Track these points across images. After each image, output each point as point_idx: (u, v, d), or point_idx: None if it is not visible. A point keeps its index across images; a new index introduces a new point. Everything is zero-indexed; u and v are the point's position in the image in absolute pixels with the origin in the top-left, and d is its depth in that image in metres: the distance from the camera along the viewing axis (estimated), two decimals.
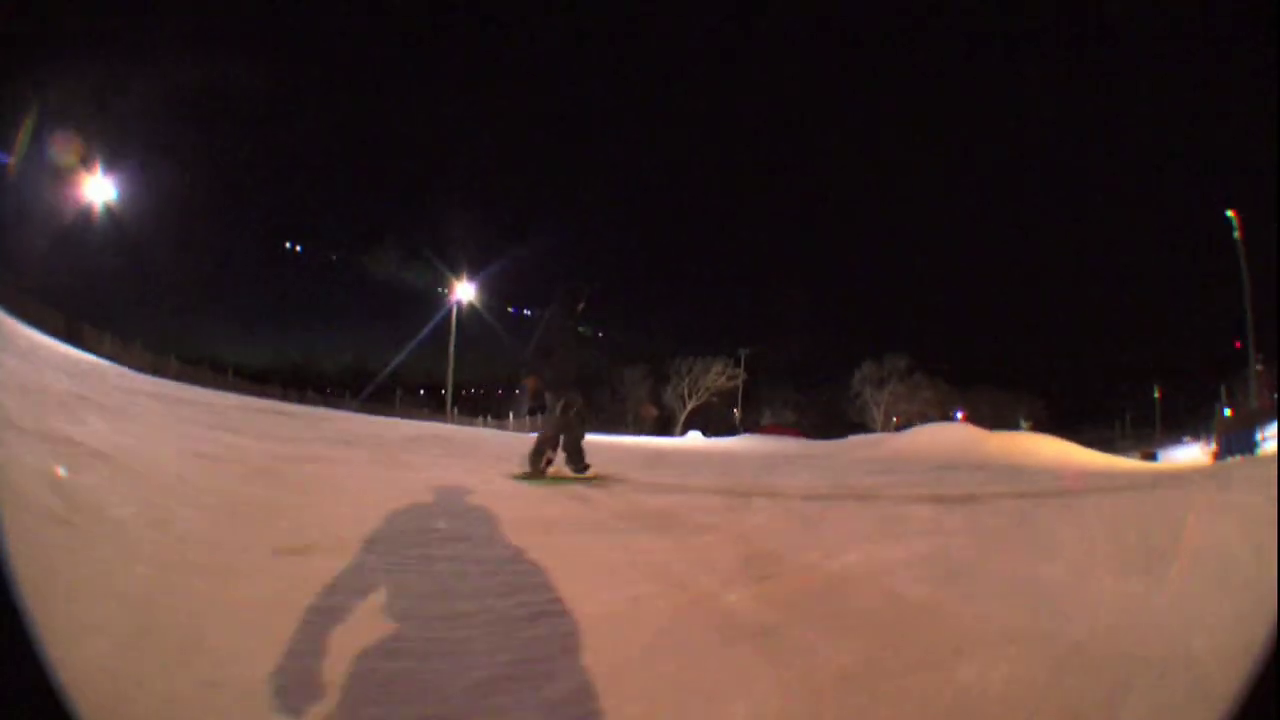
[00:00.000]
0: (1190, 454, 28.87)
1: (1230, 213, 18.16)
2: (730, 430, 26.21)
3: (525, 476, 4.82)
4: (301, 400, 18.94)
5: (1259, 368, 21.10)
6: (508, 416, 25.83)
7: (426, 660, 1.60)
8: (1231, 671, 1.24)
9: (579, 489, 4.60)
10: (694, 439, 21.79)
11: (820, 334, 37.21)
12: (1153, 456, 23.27)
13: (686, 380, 28.60)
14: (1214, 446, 23.62)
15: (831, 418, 26.43)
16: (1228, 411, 30.48)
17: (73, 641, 1.40)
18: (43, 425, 3.53)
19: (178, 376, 15.79)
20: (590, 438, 5.49)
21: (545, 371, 5.13)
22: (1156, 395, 27.88)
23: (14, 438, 3.04)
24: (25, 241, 16.66)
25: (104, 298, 22.50)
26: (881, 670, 1.66)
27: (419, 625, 1.81)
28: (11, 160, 14.93)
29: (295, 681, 1.44)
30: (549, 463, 4.97)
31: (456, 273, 24.88)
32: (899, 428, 22.57)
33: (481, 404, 28.55)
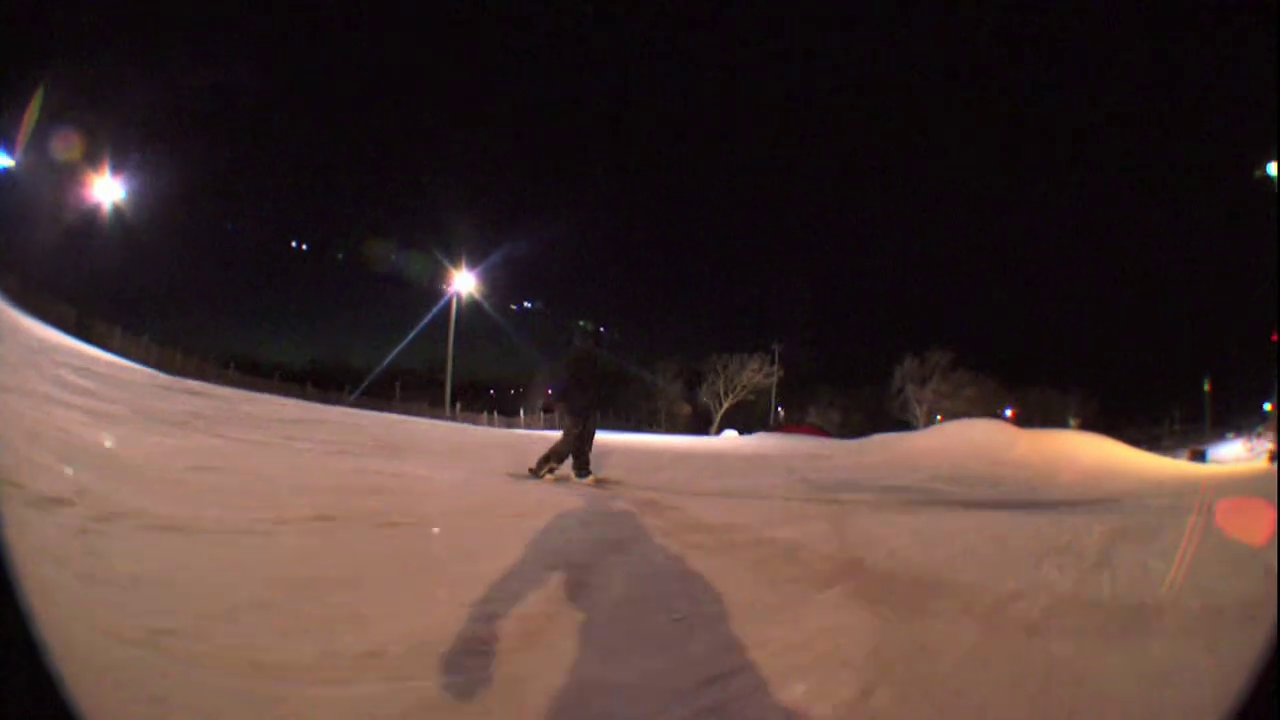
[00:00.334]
0: (1234, 451, 28.31)
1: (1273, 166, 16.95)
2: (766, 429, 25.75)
3: (531, 473, 5.82)
4: (302, 396, 18.31)
5: None
6: (517, 414, 25.65)
7: None
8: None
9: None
10: (728, 437, 21.49)
11: (864, 328, 36.50)
12: (1201, 455, 22.67)
13: (722, 377, 28.30)
14: (1271, 445, 23.08)
15: (877, 415, 26.00)
16: (1267, 406, 29.86)
17: (76, 641, 1.45)
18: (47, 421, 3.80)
19: (180, 370, 15.93)
20: (613, 437, 7.21)
21: (564, 403, 6.26)
22: (1207, 389, 27.17)
23: (19, 434, 3.27)
24: (33, 239, 16.86)
25: (112, 294, 22.31)
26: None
27: None
28: (14, 159, 15.13)
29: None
30: (551, 470, 5.86)
31: (455, 263, 24.20)
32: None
33: (496, 402, 28.36)
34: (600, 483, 5.79)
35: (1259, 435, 28.96)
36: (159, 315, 26.55)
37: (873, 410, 26.99)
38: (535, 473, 5.79)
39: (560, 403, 6.38)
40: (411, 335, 24.43)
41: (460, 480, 5.20)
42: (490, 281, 24.88)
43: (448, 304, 23.93)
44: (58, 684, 1.10)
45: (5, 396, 4.23)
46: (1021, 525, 5.04)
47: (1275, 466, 14.01)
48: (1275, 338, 28.02)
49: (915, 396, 26.52)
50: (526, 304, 25.88)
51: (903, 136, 43.01)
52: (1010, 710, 1.75)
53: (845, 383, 29.23)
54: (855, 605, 2.51)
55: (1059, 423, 22.60)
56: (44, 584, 1.61)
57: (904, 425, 24.40)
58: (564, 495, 4.94)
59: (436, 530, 3.40)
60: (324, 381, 24.13)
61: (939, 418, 24.74)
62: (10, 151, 15.03)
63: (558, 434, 6.36)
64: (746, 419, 27.38)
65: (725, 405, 28.23)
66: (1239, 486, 8.58)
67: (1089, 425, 22.44)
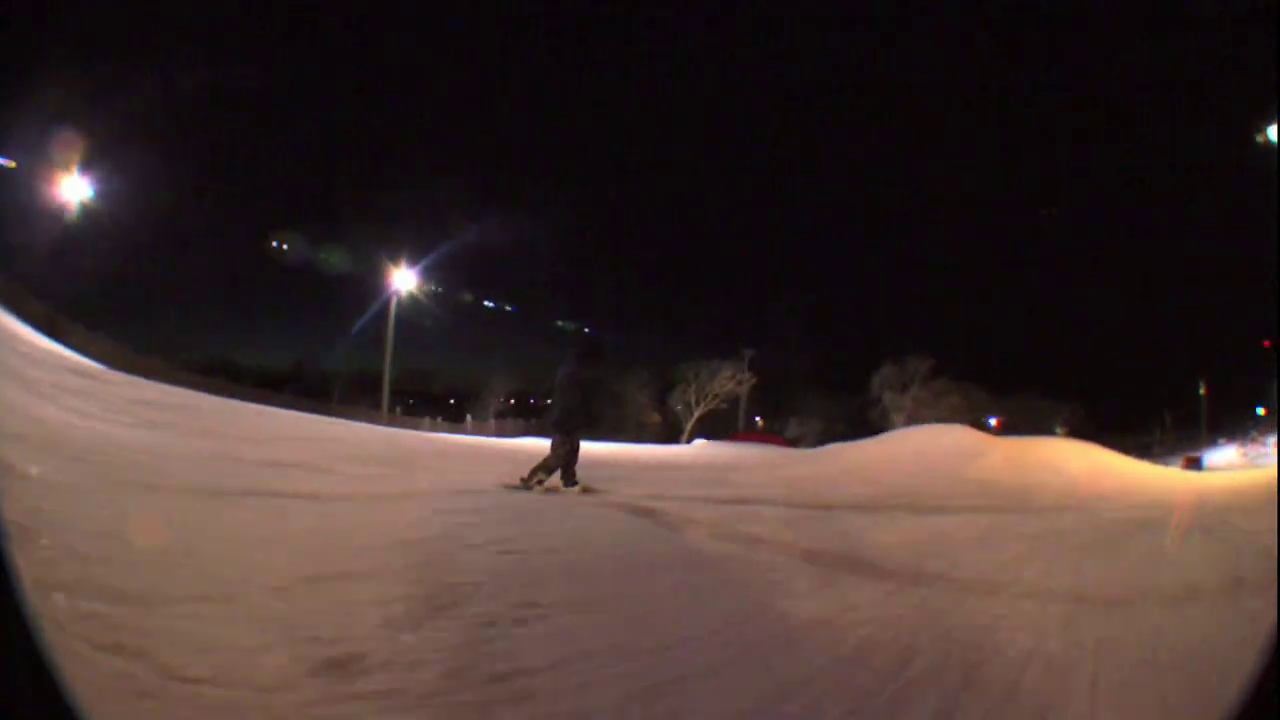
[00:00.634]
0: (1227, 456, 27.39)
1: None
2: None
3: (523, 483, 6.07)
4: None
5: None
6: (464, 419, 24.32)
7: None
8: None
9: None
10: (698, 446, 20.47)
11: (844, 334, 35.12)
12: (1197, 463, 21.51)
13: (693, 385, 27.05)
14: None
15: (860, 424, 24.79)
16: (1261, 411, 28.93)
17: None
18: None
19: (130, 368, 15.04)
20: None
21: (556, 422, 6.52)
22: (1203, 391, 26.14)
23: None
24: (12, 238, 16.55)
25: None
26: None
27: None
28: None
29: None
30: (540, 482, 6.12)
31: (395, 260, 22.96)
32: None
33: (445, 405, 27.41)
34: (587, 490, 6.19)
35: (1253, 440, 28.23)
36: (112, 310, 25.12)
37: (855, 418, 25.83)
38: (526, 483, 6.11)
39: (550, 419, 6.81)
40: (357, 329, 23.44)
41: None
42: (442, 279, 23.95)
43: (386, 303, 22.82)
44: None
45: None
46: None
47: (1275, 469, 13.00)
48: (1268, 344, 27.36)
49: (894, 404, 25.36)
50: (486, 303, 24.72)
51: (883, 137, 41.75)
52: None
53: (828, 390, 28.09)
54: None
55: (1046, 431, 21.41)
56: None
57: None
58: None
59: None
60: (270, 381, 23.75)
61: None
62: None
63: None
64: (725, 428, 26.27)
65: (696, 414, 27.13)
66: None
67: (1077, 433, 21.33)
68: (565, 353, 6.90)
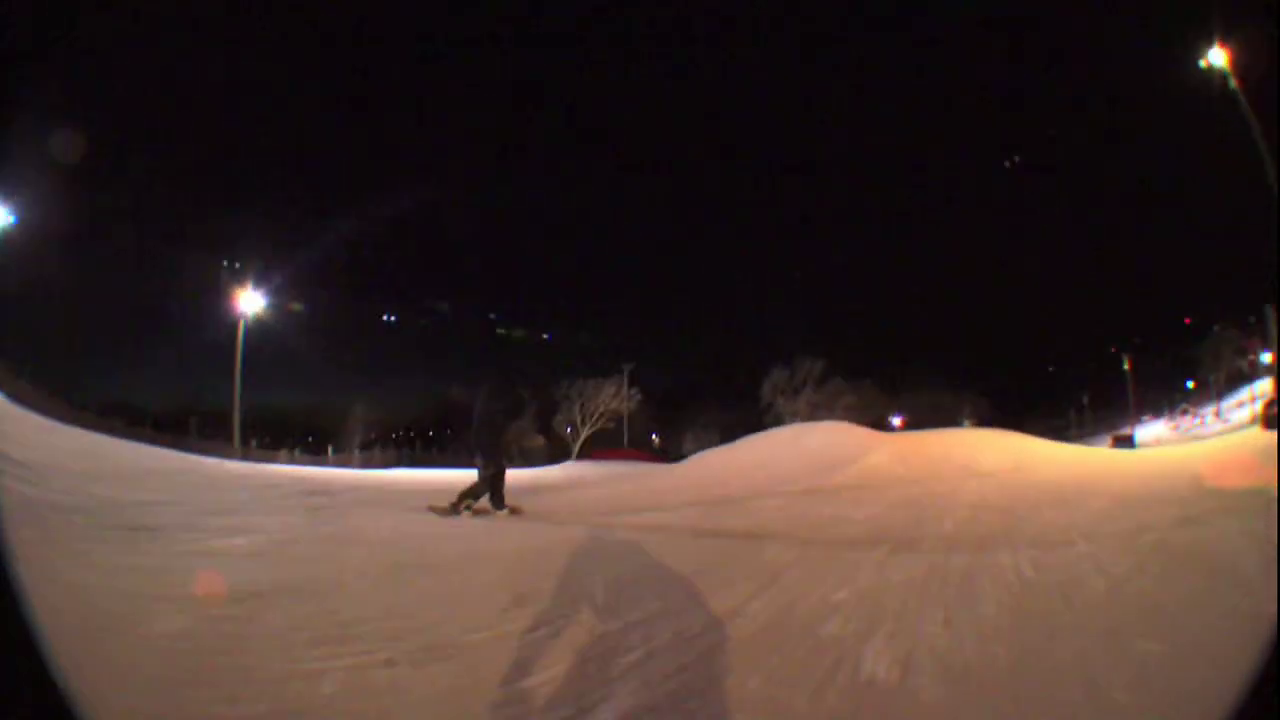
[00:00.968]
0: (1156, 431, 26.04)
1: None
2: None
3: (451, 508, 6.24)
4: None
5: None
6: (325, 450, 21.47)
7: None
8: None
9: None
10: (563, 467, 18.31)
11: (729, 344, 32.74)
12: (1129, 440, 19.55)
13: (578, 405, 24.58)
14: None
15: (753, 432, 22.59)
16: (1190, 384, 27.67)
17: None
18: None
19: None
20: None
21: (477, 447, 6.77)
22: (1126, 366, 24.65)
23: None
24: None
25: None
26: None
27: None
28: None
29: None
30: (469, 506, 6.29)
31: (242, 281, 20.02)
32: None
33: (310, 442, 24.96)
34: (514, 512, 6.36)
35: (1183, 412, 27.03)
36: None
37: (753, 427, 23.61)
38: (454, 508, 6.23)
39: (473, 448, 6.88)
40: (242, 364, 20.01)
41: None
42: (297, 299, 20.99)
43: (241, 329, 19.51)
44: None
45: None
46: None
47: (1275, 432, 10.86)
48: (1189, 320, 26.28)
49: (788, 409, 23.26)
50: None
51: (757, 131, 39.95)
52: None
53: (722, 401, 25.99)
54: None
55: (953, 425, 19.32)
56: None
57: None
58: None
59: None
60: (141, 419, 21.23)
61: None
62: None
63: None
64: (616, 446, 24.00)
65: (584, 434, 24.65)
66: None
67: (986, 423, 19.25)
68: (479, 389, 6.99)
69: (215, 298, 20.40)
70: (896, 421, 23.41)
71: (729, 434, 24.40)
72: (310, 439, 25.69)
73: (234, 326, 19.58)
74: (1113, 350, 24.62)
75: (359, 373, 27.47)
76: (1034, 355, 26.72)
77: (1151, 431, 24.92)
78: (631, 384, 24.83)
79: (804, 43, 36.71)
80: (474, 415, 6.81)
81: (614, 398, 24.32)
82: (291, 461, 20.79)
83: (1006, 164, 23.01)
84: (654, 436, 26.57)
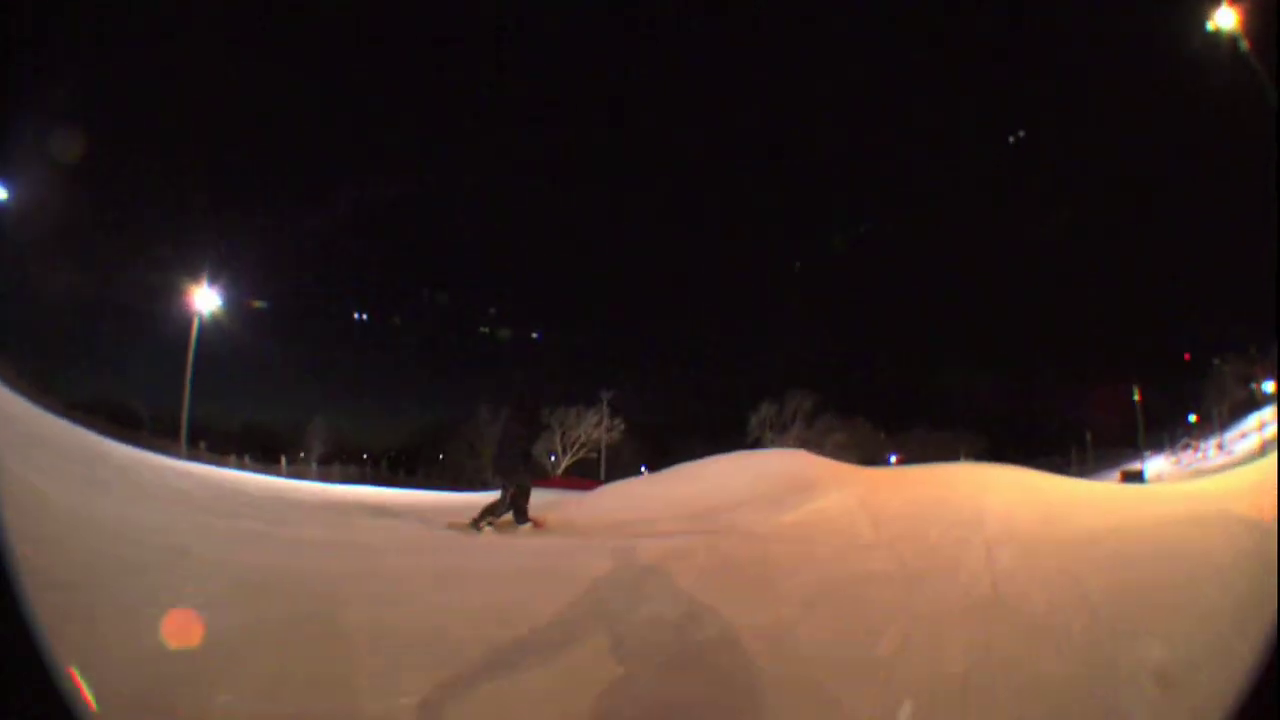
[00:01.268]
0: (1159, 466, 25.49)
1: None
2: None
3: (472, 525, 6.53)
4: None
5: None
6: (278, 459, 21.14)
7: None
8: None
9: None
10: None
11: (718, 375, 31.59)
12: (1139, 476, 18.89)
13: (559, 433, 23.92)
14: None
15: None
16: (1192, 418, 27.13)
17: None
18: None
19: None
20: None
21: (499, 465, 7.16)
22: (1137, 398, 24.17)
23: None
24: None
25: None
26: None
27: None
28: None
29: None
30: (490, 523, 6.55)
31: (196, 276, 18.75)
32: None
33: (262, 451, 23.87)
34: (537, 526, 6.61)
35: (1184, 448, 26.57)
36: None
37: None
38: (475, 524, 6.49)
39: (496, 463, 7.27)
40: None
41: None
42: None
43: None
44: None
45: None
46: None
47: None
48: (1188, 356, 25.90)
49: (776, 445, 22.60)
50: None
51: (741, 148, 38.80)
52: None
53: (710, 434, 25.30)
54: None
55: (950, 460, 18.48)
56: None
57: None
58: None
59: None
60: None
61: None
62: None
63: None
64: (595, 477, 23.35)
65: (564, 462, 24.07)
66: None
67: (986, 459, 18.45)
68: (504, 409, 7.55)
69: (175, 297, 19.49)
70: (893, 459, 22.86)
71: None
72: (263, 450, 24.41)
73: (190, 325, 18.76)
74: (1121, 382, 24.11)
75: (328, 383, 26.21)
76: (1033, 390, 26.04)
77: (1153, 466, 24.38)
78: (616, 414, 24.30)
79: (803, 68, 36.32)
80: (500, 433, 7.30)
81: (596, 427, 23.64)
82: (241, 468, 19.64)
83: (1011, 139, 22.12)
84: (643, 469, 25.88)
